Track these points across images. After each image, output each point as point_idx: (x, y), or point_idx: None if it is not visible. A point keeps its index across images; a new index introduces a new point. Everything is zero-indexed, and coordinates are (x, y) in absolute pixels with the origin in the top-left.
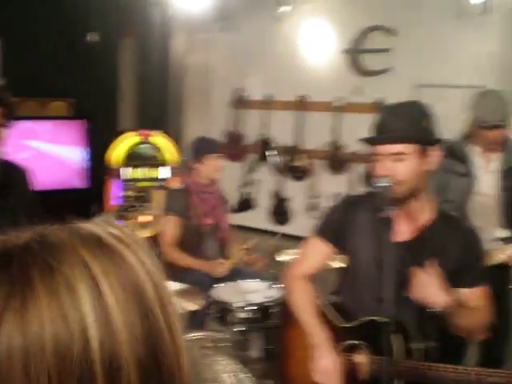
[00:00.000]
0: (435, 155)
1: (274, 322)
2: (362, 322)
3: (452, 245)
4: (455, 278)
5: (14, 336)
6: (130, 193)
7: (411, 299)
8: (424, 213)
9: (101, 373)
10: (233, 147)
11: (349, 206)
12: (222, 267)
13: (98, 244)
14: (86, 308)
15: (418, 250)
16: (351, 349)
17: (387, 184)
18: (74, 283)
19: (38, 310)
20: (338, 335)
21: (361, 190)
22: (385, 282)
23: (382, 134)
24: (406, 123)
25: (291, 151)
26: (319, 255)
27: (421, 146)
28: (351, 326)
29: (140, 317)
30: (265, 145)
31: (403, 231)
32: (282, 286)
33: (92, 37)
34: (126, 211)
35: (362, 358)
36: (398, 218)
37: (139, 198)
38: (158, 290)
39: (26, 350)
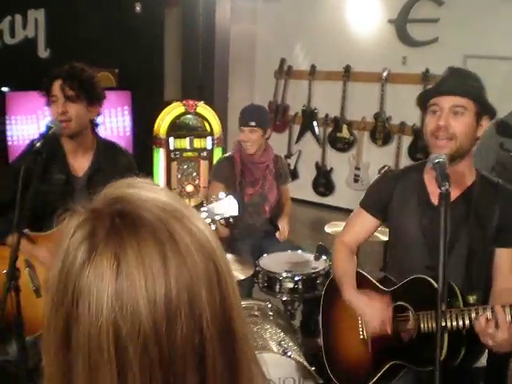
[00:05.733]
0: (485, 124)
1: (319, 292)
2: (406, 281)
3: (493, 205)
4: (495, 237)
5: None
6: (175, 163)
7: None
8: (467, 176)
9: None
10: (277, 118)
11: (391, 179)
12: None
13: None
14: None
15: (460, 211)
16: (400, 311)
17: (443, 159)
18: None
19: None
20: (385, 299)
21: (406, 162)
22: (432, 247)
23: (445, 88)
24: (470, 81)
25: (335, 122)
26: (364, 226)
27: (479, 108)
28: (396, 287)
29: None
30: (309, 115)
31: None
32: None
33: (137, 7)
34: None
35: (411, 318)
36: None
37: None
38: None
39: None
